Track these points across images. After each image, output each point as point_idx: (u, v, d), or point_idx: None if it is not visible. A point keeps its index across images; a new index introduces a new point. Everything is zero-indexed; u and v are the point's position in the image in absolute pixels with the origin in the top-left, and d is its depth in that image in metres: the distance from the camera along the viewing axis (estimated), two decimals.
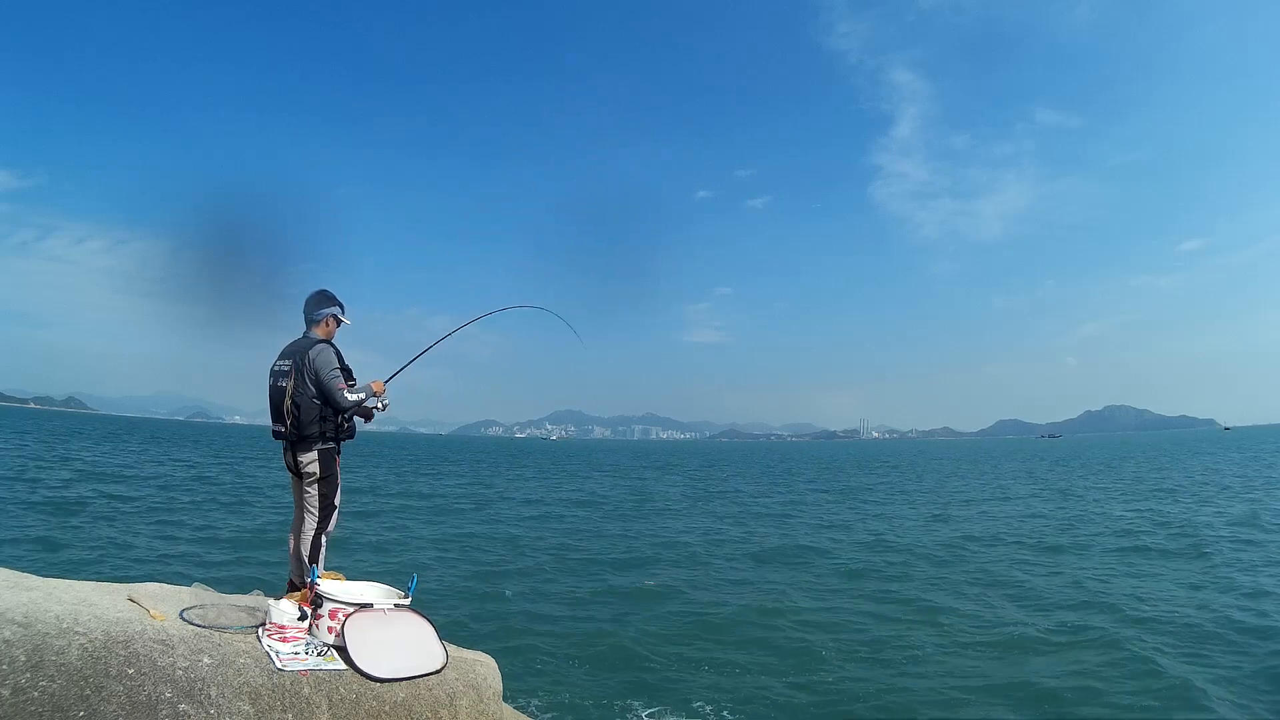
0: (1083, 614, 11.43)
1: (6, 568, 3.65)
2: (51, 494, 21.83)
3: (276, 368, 4.54)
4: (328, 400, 4.44)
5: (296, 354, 4.46)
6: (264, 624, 3.63)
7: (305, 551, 4.48)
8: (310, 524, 4.52)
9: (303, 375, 4.40)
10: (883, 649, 9.95)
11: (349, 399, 4.47)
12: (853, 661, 9.49)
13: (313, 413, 4.41)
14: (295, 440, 4.44)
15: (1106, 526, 20.90)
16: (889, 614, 11.78)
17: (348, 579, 4.36)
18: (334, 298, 4.76)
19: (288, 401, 4.38)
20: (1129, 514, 23.61)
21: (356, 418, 4.64)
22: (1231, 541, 17.75)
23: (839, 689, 8.58)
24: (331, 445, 4.55)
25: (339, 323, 4.78)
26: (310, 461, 4.47)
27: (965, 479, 44.05)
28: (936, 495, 33.10)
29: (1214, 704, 7.84)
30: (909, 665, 9.31)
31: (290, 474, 4.64)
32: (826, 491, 36.24)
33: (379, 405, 4.73)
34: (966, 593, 13.20)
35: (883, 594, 13.18)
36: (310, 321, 4.68)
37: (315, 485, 4.50)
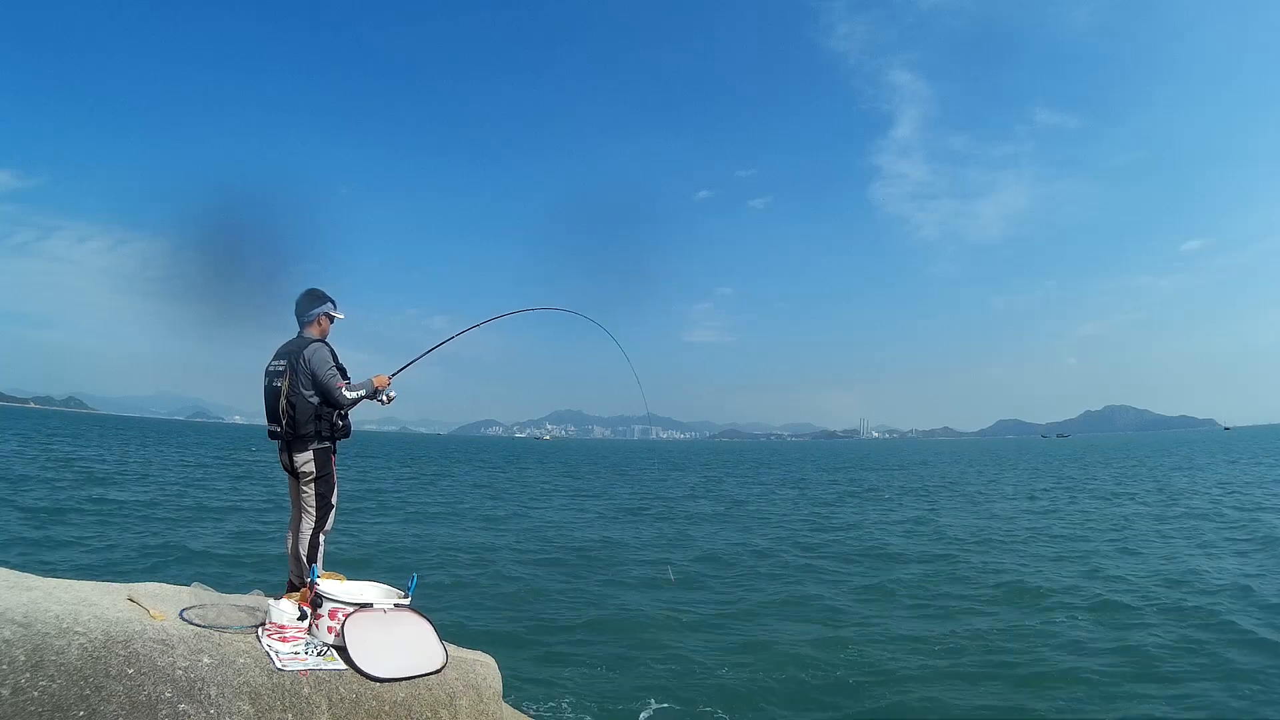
0: None
1: (6, 568, 3.65)
2: (51, 494, 21.82)
3: (271, 368, 4.52)
4: (326, 398, 4.43)
5: (291, 354, 4.44)
6: (264, 624, 3.63)
7: (304, 551, 4.48)
8: (308, 523, 4.52)
9: (297, 374, 4.38)
10: (902, 652, 9.89)
11: (348, 396, 4.47)
12: (866, 662, 9.46)
13: (308, 412, 4.40)
14: (291, 440, 4.43)
15: None
16: (925, 620, 11.76)
17: (347, 578, 4.36)
18: (324, 295, 4.73)
19: (283, 401, 4.36)
20: None
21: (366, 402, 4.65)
22: None
23: (848, 688, 8.57)
24: (327, 445, 4.55)
25: (332, 320, 4.75)
26: (306, 461, 4.47)
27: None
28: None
29: None
30: (929, 671, 9.30)
31: (287, 474, 4.64)
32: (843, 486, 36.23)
33: (383, 399, 4.72)
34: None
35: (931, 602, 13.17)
36: (303, 323, 4.66)
37: (312, 484, 4.50)
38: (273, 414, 4.44)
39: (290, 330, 4.70)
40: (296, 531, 4.59)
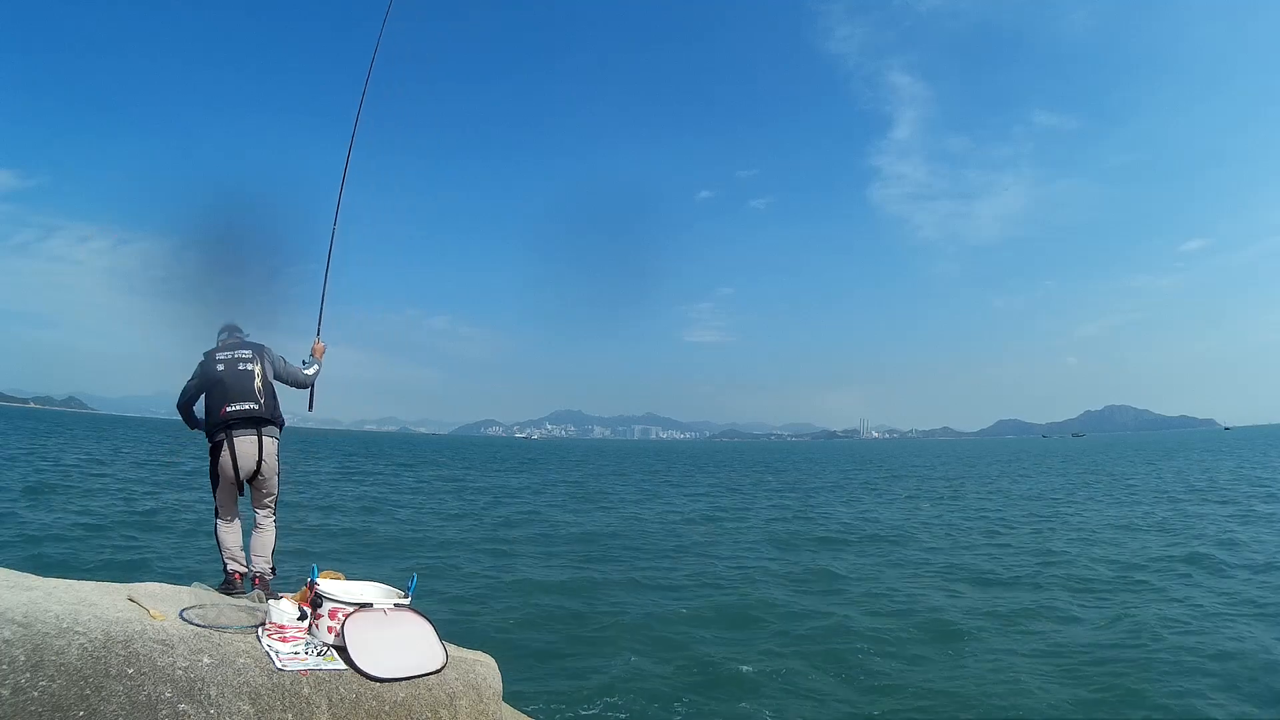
0: None
1: (6, 568, 3.65)
2: (51, 494, 21.81)
3: (234, 356, 4.77)
4: (294, 381, 4.99)
5: (255, 347, 4.85)
6: (264, 624, 3.62)
7: (270, 551, 4.71)
8: (271, 521, 4.74)
9: (265, 364, 4.78)
10: (904, 661, 9.86)
11: (308, 373, 5.09)
12: (869, 665, 9.46)
13: (276, 396, 4.81)
14: (267, 420, 4.66)
15: None
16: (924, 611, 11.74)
17: (347, 578, 4.36)
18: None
19: (257, 382, 4.66)
20: None
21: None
22: None
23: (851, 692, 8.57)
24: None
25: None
26: (273, 453, 4.69)
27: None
28: None
29: None
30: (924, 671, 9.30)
31: (235, 473, 4.67)
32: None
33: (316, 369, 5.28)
34: None
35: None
36: (243, 336, 5.06)
37: (275, 478, 4.73)
38: (246, 394, 4.63)
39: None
40: (256, 532, 4.75)
